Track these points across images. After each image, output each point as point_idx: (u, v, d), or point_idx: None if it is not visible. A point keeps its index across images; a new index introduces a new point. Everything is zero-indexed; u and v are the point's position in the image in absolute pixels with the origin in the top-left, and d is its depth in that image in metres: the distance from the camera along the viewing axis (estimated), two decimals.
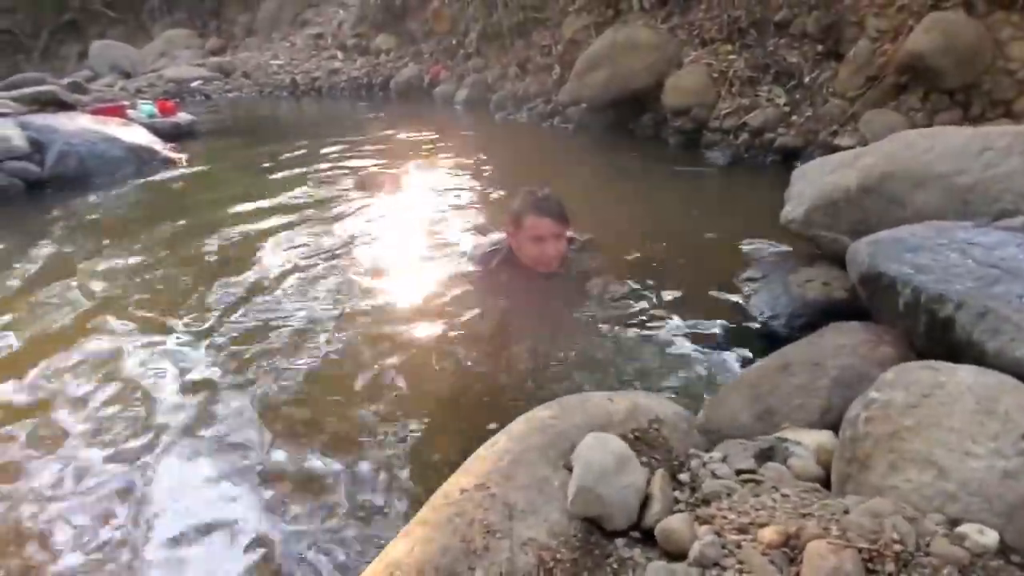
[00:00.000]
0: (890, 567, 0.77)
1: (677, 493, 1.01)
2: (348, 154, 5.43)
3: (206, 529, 1.36)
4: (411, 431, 1.62)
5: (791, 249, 2.21)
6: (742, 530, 0.87)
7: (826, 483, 1.04)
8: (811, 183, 2.01)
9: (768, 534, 0.84)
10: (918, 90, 3.75)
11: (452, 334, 2.09)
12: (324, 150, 5.69)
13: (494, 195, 3.79)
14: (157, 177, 5.11)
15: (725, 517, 0.91)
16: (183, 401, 1.83)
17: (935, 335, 1.23)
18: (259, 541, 1.31)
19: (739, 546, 0.84)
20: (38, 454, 1.63)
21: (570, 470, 1.01)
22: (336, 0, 13.46)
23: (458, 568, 0.87)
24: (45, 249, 3.32)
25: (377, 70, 10.42)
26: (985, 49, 3.55)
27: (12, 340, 2.27)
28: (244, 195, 4.28)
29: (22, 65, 15.19)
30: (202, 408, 1.79)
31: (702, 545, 0.85)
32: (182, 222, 3.68)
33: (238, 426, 1.70)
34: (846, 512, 0.86)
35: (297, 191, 4.24)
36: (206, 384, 1.91)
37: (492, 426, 1.38)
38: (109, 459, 1.60)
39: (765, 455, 1.09)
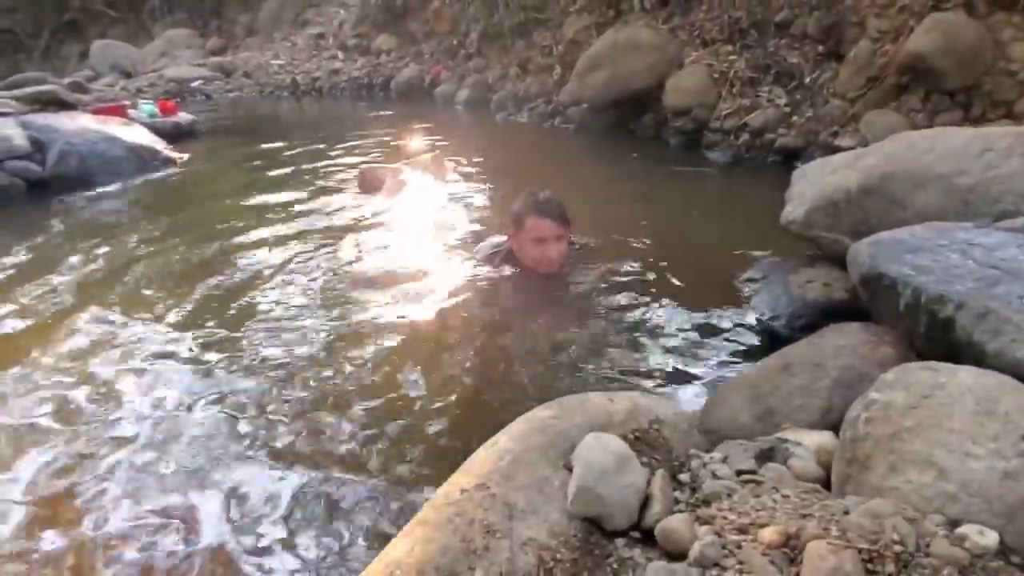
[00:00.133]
0: (890, 568, 0.77)
1: (677, 493, 1.01)
2: (349, 154, 5.43)
3: (203, 527, 1.36)
4: (411, 431, 1.62)
5: (792, 250, 2.20)
6: (742, 530, 0.87)
7: (826, 484, 1.03)
8: (812, 184, 2.01)
9: (768, 534, 0.84)
10: (919, 91, 3.75)
11: (452, 334, 2.09)
12: (325, 150, 5.70)
13: (495, 196, 3.79)
14: (158, 177, 5.12)
15: (725, 517, 0.91)
16: (179, 400, 1.83)
17: (935, 336, 1.23)
18: (257, 540, 1.31)
19: (739, 546, 0.84)
20: (36, 450, 1.64)
21: (570, 470, 1.01)
22: (337, 0, 13.47)
23: (458, 568, 0.87)
24: (46, 248, 3.33)
25: (378, 70, 10.43)
26: (986, 50, 3.55)
27: (11, 339, 2.27)
28: (244, 194, 4.29)
29: (23, 65, 15.22)
30: (200, 407, 1.79)
31: (702, 545, 0.85)
32: (183, 221, 3.68)
33: (234, 423, 1.70)
34: (846, 513, 0.87)
35: (298, 191, 4.25)
36: (204, 383, 1.91)
37: (492, 426, 1.38)
38: (96, 455, 1.60)
39: (765, 456, 1.09)
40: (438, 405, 1.73)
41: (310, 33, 13.37)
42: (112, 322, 2.36)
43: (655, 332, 2.03)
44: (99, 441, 1.67)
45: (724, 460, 1.08)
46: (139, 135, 5.58)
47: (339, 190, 4.15)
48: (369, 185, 4.00)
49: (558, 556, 0.90)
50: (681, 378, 1.79)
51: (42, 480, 1.54)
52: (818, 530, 0.83)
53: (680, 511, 0.96)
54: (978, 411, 0.92)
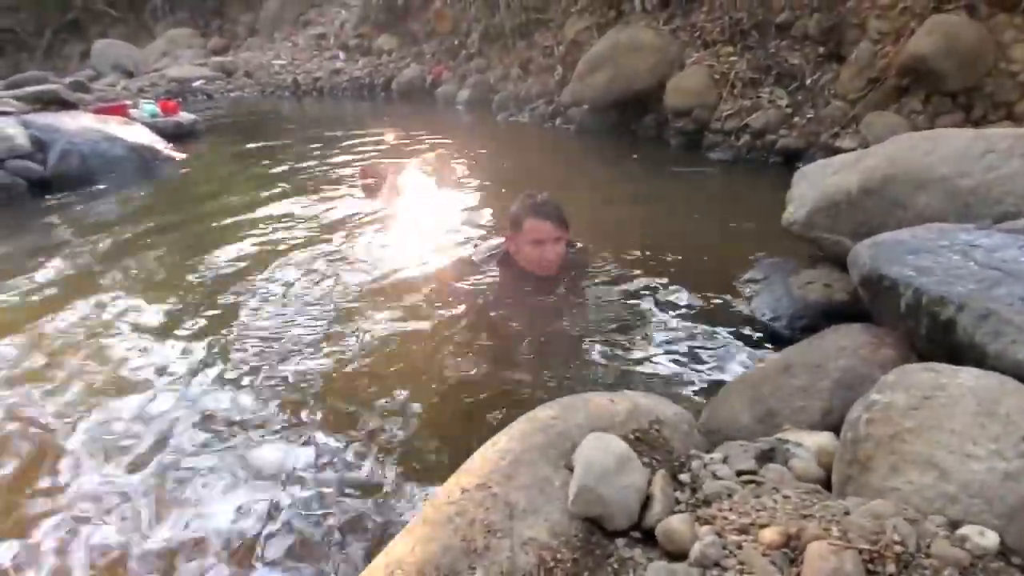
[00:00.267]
0: (891, 568, 0.77)
1: (678, 494, 1.01)
2: (349, 154, 5.44)
3: (206, 527, 1.36)
4: (412, 431, 1.63)
5: (793, 251, 2.21)
6: (743, 531, 0.87)
7: (827, 484, 1.03)
8: (813, 185, 2.01)
9: (769, 535, 0.84)
10: (920, 92, 3.75)
11: (452, 335, 2.09)
12: (326, 150, 5.70)
13: (495, 196, 3.79)
14: (159, 176, 5.12)
15: (726, 518, 0.91)
16: (177, 400, 1.83)
17: (936, 337, 1.23)
18: (259, 540, 1.31)
19: (740, 547, 0.84)
20: (30, 444, 1.64)
21: (571, 470, 1.01)
22: (338, 0, 13.48)
23: (459, 567, 0.87)
24: (46, 247, 3.33)
25: (379, 70, 10.43)
26: (987, 51, 3.55)
27: (11, 338, 2.28)
28: (245, 194, 4.30)
29: (25, 64, 15.24)
30: (199, 407, 1.79)
31: (703, 545, 0.85)
32: (183, 221, 3.69)
33: (234, 423, 1.70)
34: (847, 513, 0.87)
35: (298, 191, 4.25)
36: (203, 382, 1.91)
37: (492, 426, 1.38)
38: (98, 457, 1.60)
39: (766, 456, 1.09)
40: (438, 406, 1.73)
41: (311, 33, 13.38)
42: (111, 321, 2.36)
43: (655, 333, 2.03)
44: (96, 438, 1.67)
45: (725, 460, 1.08)
46: (140, 135, 5.59)
47: (339, 190, 4.16)
48: (371, 182, 4.00)
49: (559, 556, 0.90)
50: (682, 379, 1.79)
51: (32, 475, 1.54)
52: (819, 531, 0.83)
53: (681, 511, 0.96)
54: (979, 412, 0.92)
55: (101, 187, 4.75)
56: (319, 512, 1.38)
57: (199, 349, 2.11)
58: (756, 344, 1.92)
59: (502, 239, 2.43)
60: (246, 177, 4.98)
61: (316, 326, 2.21)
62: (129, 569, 1.27)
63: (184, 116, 7.19)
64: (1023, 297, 1.14)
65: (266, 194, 4.23)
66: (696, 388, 1.74)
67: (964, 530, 0.83)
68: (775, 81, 4.54)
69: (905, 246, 1.43)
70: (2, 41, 17.14)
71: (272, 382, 1.89)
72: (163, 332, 2.26)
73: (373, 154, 5.34)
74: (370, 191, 3.95)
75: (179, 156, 5.62)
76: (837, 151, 3.29)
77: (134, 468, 1.56)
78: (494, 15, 7.82)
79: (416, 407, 1.72)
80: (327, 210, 3.69)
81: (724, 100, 4.62)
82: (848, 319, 1.53)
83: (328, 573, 1.23)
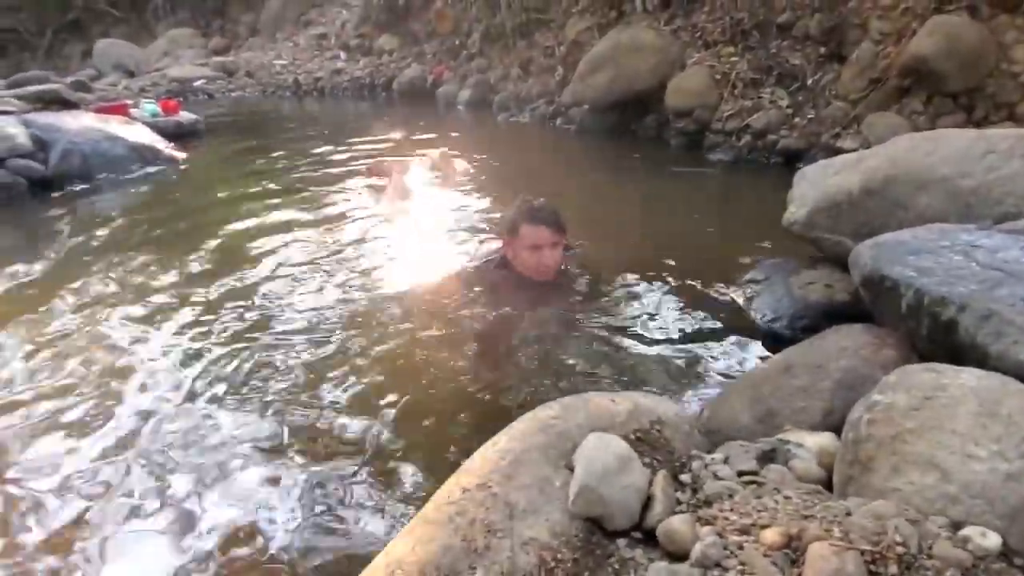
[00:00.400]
0: (892, 569, 0.77)
1: (679, 494, 1.01)
2: (349, 153, 5.44)
3: (204, 527, 1.36)
4: (412, 431, 1.63)
5: (793, 251, 2.20)
6: (744, 531, 0.87)
7: (828, 485, 1.03)
8: (814, 185, 2.01)
9: (770, 535, 0.84)
10: (921, 93, 3.74)
11: (452, 337, 2.09)
12: (326, 150, 5.70)
13: (495, 197, 3.79)
14: (160, 176, 5.12)
15: (727, 518, 0.90)
16: (177, 398, 1.83)
17: (938, 338, 1.23)
18: (259, 539, 1.31)
19: (741, 547, 0.84)
20: (30, 444, 1.64)
21: (572, 470, 1.01)
22: (339, 0, 13.48)
23: (459, 567, 0.87)
24: (47, 246, 3.33)
25: (380, 70, 10.44)
26: (989, 52, 3.54)
27: (11, 337, 2.28)
28: (246, 193, 4.30)
29: (26, 63, 15.24)
30: (199, 405, 1.79)
31: (704, 546, 0.84)
32: (184, 220, 3.69)
33: (236, 423, 1.70)
34: (848, 514, 0.86)
35: (298, 190, 4.25)
36: (204, 380, 1.91)
37: (492, 426, 1.38)
38: (92, 452, 1.60)
39: (767, 457, 1.09)
40: (438, 406, 1.73)
41: (312, 33, 13.38)
42: (110, 320, 2.36)
43: (656, 333, 2.03)
44: (96, 437, 1.67)
45: (725, 461, 1.08)
46: (141, 134, 5.59)
47: (340, 189, 4.16)
48: (377, 181, 4.00)
49: (559, 556, 0.90)
50: (682, 379, 1.78)
51: (30, 475, 1.54)
52: (820, 531, 0.82)
53: (682, 512, 0.96)
54: (981, 413, 0.92)
55: (102, 186, 4.75)
56: (319, 512, 1.38)
57: (199, 348, 2.11)
58: (756, 345, 1.92)
59: (499, 244, 2.43)
60: (247, 176, 4.98)
61: (316, 327, 2.21)
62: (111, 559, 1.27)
63: (185, 116, 7.19)
64: None
65: (267, 194, 4.24)
66: (697, 388, 1.74)
67: (966, 531, 0.82)
68: (776, 81, 4.54)
69: (906, 247, 1.43)
70: (4, 41, 17.16)
71: (271, 381, 1.89)
72: (161, 330, 2.26)
73: (376, 153, 5.34)
74: (376, 190, 3.95)
75: (180, 156, 5.63)
76: (838, 152, 3.28)
77: (126, 459, 1.56)
78: (495, 15, 7.83)
79: (416, 408, 1.72)
80: (328, 210, 3.69)
81: (725, 100, 4.62)
82: (849, 319, 1.53)
83: (328, 573, 1.23)
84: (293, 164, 5.21)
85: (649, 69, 5.02)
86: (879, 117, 3.82)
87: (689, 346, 1.94)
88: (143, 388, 1.90)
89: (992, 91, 3.55)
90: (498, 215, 3.27)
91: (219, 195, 4.46)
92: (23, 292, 2.70)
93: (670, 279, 2.37)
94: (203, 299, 2.50)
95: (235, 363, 2.00)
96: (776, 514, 0.89)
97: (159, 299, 2.54)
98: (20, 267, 3.01)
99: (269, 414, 1.73)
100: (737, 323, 2.05)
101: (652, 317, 2.13)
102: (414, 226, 3.28)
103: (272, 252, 2.99)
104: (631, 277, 2.40)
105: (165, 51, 15.29)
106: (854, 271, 1.55)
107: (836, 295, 1.85)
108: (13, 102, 5.76)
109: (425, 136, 6.07)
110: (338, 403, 1.77)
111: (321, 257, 2.88)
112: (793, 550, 0.82)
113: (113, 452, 1.62)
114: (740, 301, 2.17)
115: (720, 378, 1.77)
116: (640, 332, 2.04)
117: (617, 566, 0.90)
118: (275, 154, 5.72)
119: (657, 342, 1.98)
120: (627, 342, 1.98)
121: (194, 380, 1.92)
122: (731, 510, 0.92)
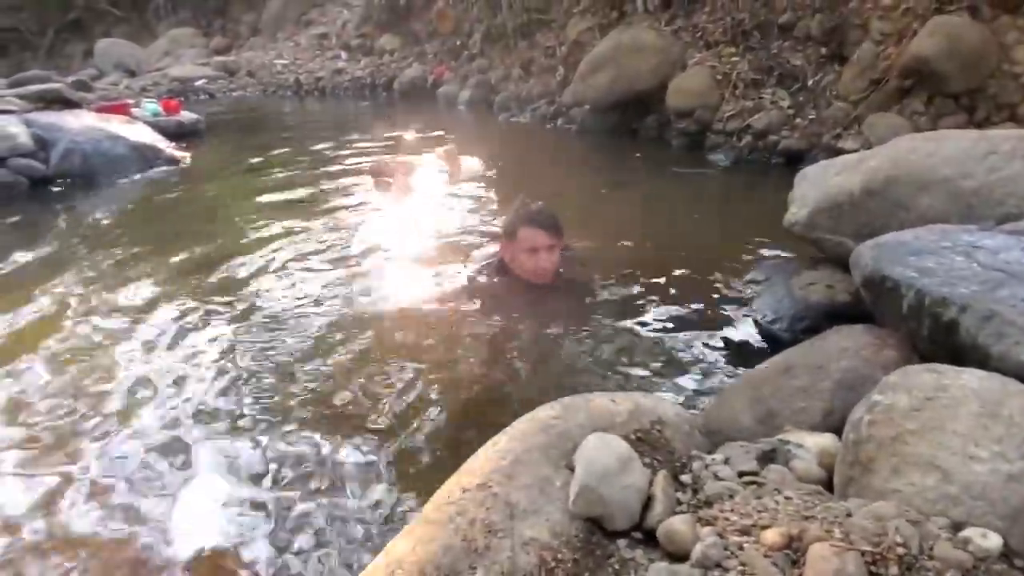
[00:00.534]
0: (893, 570, 0.77)
1: (679, 494, 1.01)
2: (350, 153, 5.44)
3: (205, 525, 1.36)
4: (412, 432, 1.62)
5: (794, 252, 2.20)
6: (744, 532, 0.87)
7: (828, 486, 1.03)
8: (815, 186, 2.01)
9: (770, 536, 0.84)
10: (922, 94, 3.74)
11: (451, 339, 2.09)
12: (326, 149, 5.71)
13: (496, 198, 3.79)
14: (161, 175, 5.13)
15: (727, 519, 0.90)
16: (179, 398, 1.83)
17: (939, 338, 1.22)
18: (259, 539, 1.31)
19: (741, 548, 0.84)
20: (38, 438, 1.64)
21: (572, 470, 1.01)
22: (341, 0, 13.49)
23: (459, 567, 0.87)
24: (47, 245, 3.33)
25: (381, 70, 10.44)
26: (990, 53, 3.54)
27: (12, 336, 2.28)
28: (246, 193, 4.30)
29: (28, 63, 15.25)
30: (196, 403, 1.79)
31: (704, 546, 0.84)
32: (185, 219, 3.69)
33: (237, 424, 1.70)
34: (849, 515, 0.86)
35: (299, 190, 4.25)
36: (204, 380, 1.91)
37: (492, 426, 1.38)
38: (93, 450, 1.60)
39: (767, 457, 1.09)
40: (439, 407, 1.73)
41: (313, 33, 13.40)
42: (110, 319, 2.36)
43: (657, 334, 2.03)
44: (98, 435, 1.67)
45: (726, 461, 1.08)
46: (142, 134, 5.59)
47: (341, 190, 4.16)
48: (381, 179, 4.00)
49: (559, 556, 0.89)
50: (683, 379, 1.78)
51: (41, 471, 1.54)
52: (821, 532, 0.82)
53: (682, 512, 0.96)
54: (982, 414, 0.92)
55: (103, 186, 4.75)
56: (319, 512, 1.38)
57: (198, 348, 2.11)
58: (757, 345, 1.92)
59: (497, 247, 2.43)
60: (247, 176, 4.99)
61: (316, 327, 2.21)
62: (111, 559, 1.27)
63: (186, 115, 7.19)
64: None
65: (267, 193, 4.24)
66: (697, 389, 1.74)
67: (967, 532, 0.82)
68: (777, 82, 4.54)
69: (907, 247, 1.43)
70: (5, 40, 17.18)
71: (271, 381, 1.89)
72: (161, 329, 2.26)
73: (378, 152, 5.34)
74: (381, 188, 3.95)
75: (181, 155, 5.63)
76: (839, 152, 3.28)
77: (128, 457, 1.56)
78: (496, 15, 7.83)
79: (416, 408, 1.72)
80: (328, 209, 3.70)
81: (726, 101, 4.62)
82: (850, 320, 1.52)
83: (328, 573, 1.23)
84: (294, 163, 5.21)
85: (650, 69, 5.02)
86: (880, 118, 3.82)
87: (689, 346, 1.94)
88: (136, 392, 1.89)
89: (993, 92, 3.54)
90: (498, 216, 3.27)
91: (220, 194, 4.47)
92: (23, 292, 2.70)
93: (670, 279, 2.37)
94: (202, 299, 2.50)
95: (231, 361, 2.00)
96: (777, 515, 0.89)
97: (159, 299, 2.54)
98: (20, 267, 3.01)
99: (267, 414, 1.73)
100: (737, 323, 2.05)
101: (652, 317, 2.13)
102: (415, 227, 3.28)
103: (272, 252, 2.99)
104: (631, 277, 2.40)
105: (166, 51, 15.31)
106: (855, 272, 1.55)
107: (837, 296, 1.85)
108: (15, 101, 5.76)
109: (425, 136, 6.07)
110: (338, 403, 1.76)
111: (320, 259, 2.88)
112: (794, 551, 0.82)
113: (112, 449, 1.62)
114: (741, 301, 2.17)
115: (720, 378, 1.77)
116: (640, 332, 2.04)
117: (617, 566, 0.90)
118: (276, 153, 5.72)
119: (657, 342, 1.98)
120: (627, 342, 1.98)
121: (192, 378, 1.92)
122: (731, 510, 0.92)
